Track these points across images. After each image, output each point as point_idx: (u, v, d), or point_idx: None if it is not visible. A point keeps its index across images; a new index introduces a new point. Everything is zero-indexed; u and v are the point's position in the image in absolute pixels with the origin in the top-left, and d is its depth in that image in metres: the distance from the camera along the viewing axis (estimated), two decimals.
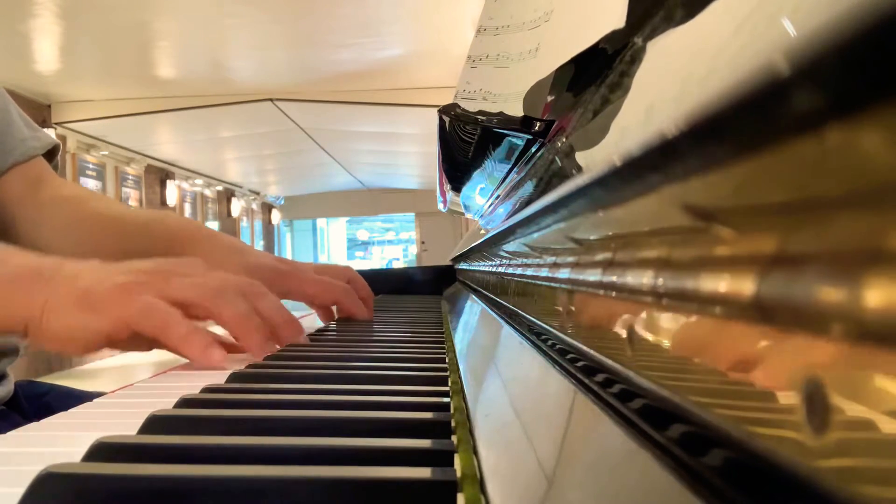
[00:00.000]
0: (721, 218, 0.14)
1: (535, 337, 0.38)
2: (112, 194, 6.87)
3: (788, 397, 0.11)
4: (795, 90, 0.09)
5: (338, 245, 15.11)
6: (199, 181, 8.86)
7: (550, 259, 0.33)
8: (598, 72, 0.34)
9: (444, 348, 0.58)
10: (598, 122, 0.28)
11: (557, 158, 0.35)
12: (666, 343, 0.17)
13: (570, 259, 0.28)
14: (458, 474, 0.24)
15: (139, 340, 0.53)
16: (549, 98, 0.46)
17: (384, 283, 1.54)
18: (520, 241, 0.44)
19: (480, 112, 0.62)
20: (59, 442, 0.35)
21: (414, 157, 8.26)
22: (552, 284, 0.31)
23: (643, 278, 0.17)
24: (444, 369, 0.47)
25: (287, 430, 0.31)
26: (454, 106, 0.67)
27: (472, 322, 0.71)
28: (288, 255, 13.44)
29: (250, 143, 7.58)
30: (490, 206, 0.78)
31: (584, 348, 0.26)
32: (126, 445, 0.28)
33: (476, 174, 0.76)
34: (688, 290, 0.15)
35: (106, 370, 5.62)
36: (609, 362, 0.22)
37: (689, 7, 0.21)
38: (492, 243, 0.65)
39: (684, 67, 0.18)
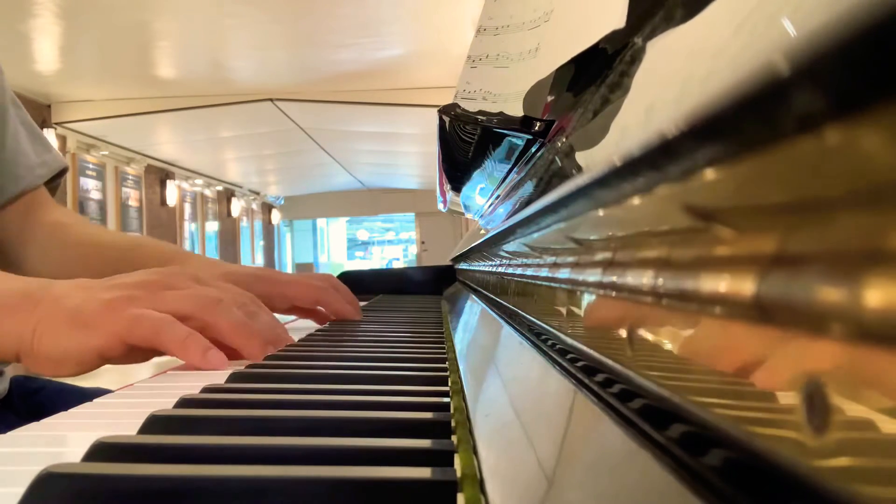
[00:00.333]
0: (721, 218, 0.14)
1: (535, 337, 0.38)
2: (112, 194, 6.88)
3: (788, 397, 0.11)
4: (795, 90, 0.09)
5: (338, 245, 15.10)
6: (199, 181, 8.87)
7: (550, 259, 0.33)
8: (598, 72, 0.34)
9: (444, 348, 0.58)
10: (598, 122, 0.28)
11: (557, 158, 0.35)
12: (666, 343, 0.17)
13: (570, 259, 0.28)
14: (458, 474, 0.24)
15: (136, 353, 0.53)
16: (549, 98, 0.46)
17: (384, 283, 1.54)
18: (520, 241, 0.44)
19: (480, 112, 0.62)
20: (59, 442, 0.35)
21: (414, 157, 8.26)
22: (552, 284, 0.31)
23: (643, 278, 0.17)
24: (444, 369, 0.47)
25: (287, 430, 0.31)
26: (454, 106, 0.67)
27: (472, 322, 0.71)
28: (288, 255, 13.46)
29: (250, 143, 7.59)
30: (490, 206, 0.78)
31: (584, 348, 0.26)
32: (126, 445, 0.28)
33: (476, 174, 0.76)
34: (688, 290, 0.15)
35: (105, 369, 5.60)
36: (609, 362, 0.22)
37: (689, 7, 0.21)
38: (492, 243, 0.65)
39: (684, 67, 0.18)
